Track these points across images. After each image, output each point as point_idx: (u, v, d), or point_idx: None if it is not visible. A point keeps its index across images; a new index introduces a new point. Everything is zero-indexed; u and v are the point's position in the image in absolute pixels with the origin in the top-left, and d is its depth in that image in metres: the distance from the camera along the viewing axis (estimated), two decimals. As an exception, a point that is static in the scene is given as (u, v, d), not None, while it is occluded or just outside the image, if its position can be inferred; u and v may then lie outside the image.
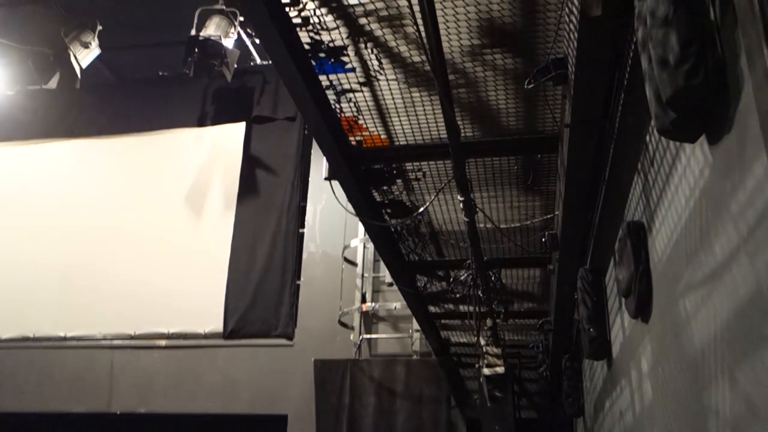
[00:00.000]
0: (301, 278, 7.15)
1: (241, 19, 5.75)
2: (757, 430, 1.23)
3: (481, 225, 3.09)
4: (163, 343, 7.50)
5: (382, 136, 2.82)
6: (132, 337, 7.43)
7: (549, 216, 3.29)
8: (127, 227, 7.57)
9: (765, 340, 1.15)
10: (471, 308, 4.90)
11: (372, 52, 2.36)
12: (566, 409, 5.15)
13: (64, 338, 7.58)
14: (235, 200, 7.30)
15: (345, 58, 2.39)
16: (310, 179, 7.41)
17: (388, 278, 6.60)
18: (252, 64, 7.34)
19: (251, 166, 7.37)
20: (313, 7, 2.16)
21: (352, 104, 2.63)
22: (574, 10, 1.77)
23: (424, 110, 2.66)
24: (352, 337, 7.14)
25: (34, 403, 7.61)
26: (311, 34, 2.27)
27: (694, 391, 1.63)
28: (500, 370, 5.63)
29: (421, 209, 3.24)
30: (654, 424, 2.16)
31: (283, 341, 6.59)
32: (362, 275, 7.13)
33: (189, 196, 7.51)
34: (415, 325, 6.55)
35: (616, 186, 2.60)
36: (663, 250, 1.98)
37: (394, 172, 3.10)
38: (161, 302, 7.36)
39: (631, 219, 2.41)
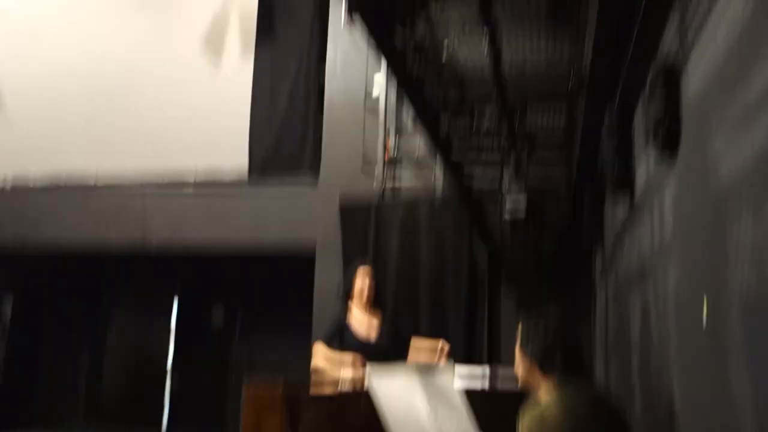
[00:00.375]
0: (324, 123, 7.14)
1: None
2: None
3: (506, 67, 3.00)
4: (191, 180, 7.67)
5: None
6: (160, 175, 7.60)
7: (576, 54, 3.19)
8: (149, 68, 7.55)
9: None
10: (494, 149, 4.91)
11: None
12: (585, 241, 5.29)
13: (96, 177, 7.78)
14: (253, 43, 7.19)
15: None
16: (329, 22, 7.19)
17: (411, 123, 6.56)
18: None
19: (268, 7, 7.19)
20: None
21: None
22: None
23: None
24: (374, 184, 7.23)
25: (75, 241, 7.97)
26: None
27: (717, 225, 1.67)
28: (522, 207, 5.74)
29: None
30: (672, 256, 2.24)
31: (308, 185, 6.72)
32: (385, 121, 7.07)
33: (208, 39, 7.40)
34: (438, 171, 6.60)
35: (651, 19, 2.50)
36: (696, 87, 1.94)
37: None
38: (187, 139, 7.48)
39: (665, 55, 2.34)
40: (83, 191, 7.89)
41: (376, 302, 4.32)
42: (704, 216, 1.80)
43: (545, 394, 2.34)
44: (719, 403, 1.65)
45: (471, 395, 3.26)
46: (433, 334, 6.67)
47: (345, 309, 4.32)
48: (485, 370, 3.69)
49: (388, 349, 4.09)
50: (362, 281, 4.27)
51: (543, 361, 2.38)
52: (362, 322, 4.24)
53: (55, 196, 7.99)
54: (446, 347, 4.08)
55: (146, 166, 7.62)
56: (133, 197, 7.79)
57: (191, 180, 7.61)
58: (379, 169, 7.14)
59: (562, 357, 2.36)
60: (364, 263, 4.43)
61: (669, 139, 2.22)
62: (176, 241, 7.68)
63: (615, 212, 3.93)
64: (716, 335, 1.68)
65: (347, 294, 4.31)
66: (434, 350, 4.07)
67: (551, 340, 2.38)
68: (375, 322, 4.26)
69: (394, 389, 2.94)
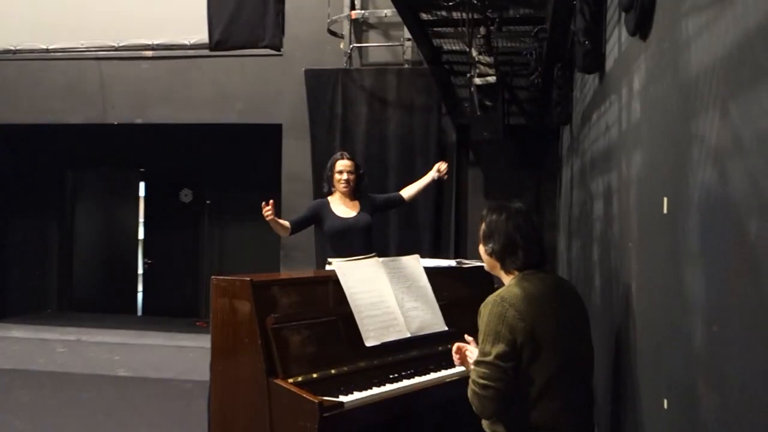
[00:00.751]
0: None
1: None
2: (739, 161, 1.23)
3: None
4: (149, 54, 7.35)
5: None
6: (117, 49, 7.25)
7: None
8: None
9: (765, 76, 1.10)
10: (464, 15, 4.72)
11: None
12: (554, 117, 5.24)
13: (47, 50, 7.40)
14: None
15: None
16: None
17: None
18: None
19: None
20: None
21: None
22: None
23: None
24: (342, 46, 6.99)
25: (31, 115, 7.70)
26: None
27: (683, 116, 1.61)
28: (491, 79, 5.61)
29: None
30: (639, 142, 2.20)
31: (272, 51, 6.45)
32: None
33: None
34: (407, 33, 6.37)
35: None
36: (673, -38, 1.81)
37: None
38: (144, 13, 7.09)
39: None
40: (37, 64, 7.54)
41: (357, 192, 4.43)
42: (671, 107, 1.74)
43: (508, 287, 2.38)
44: (674, 300, 1.67)
45: (436, 274, 3.32)
46: (400, 212, 6.75)
47: (326, 197, 4.44)
48: (451, 262, 3.74)
49: (370, 222, 4.35)
50: (340, 175, 4.34)
51: (504, 258, 2.41)
52: (343, 205, 4.38)
53: (6, 68, 7.63)
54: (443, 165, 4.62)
55: (102, 42, 7.25)
56: (90, 69, 7.46)
57: (149, 54, 7.28)
58: (345, 32, 6.88)
59: (524, 253, 2.38)
60: (343, 157, 4.43)
61: (641, 19, 2.11)
62: (138, 116, 7.45)
63: (584, 90, 3.85)
64: (674, 233, 1.67)
65: (329, 185, 4.41)
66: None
67: (514, 238, 2.39)
68: (356, 204, 4.41)
69: (360, 275, 2.97)
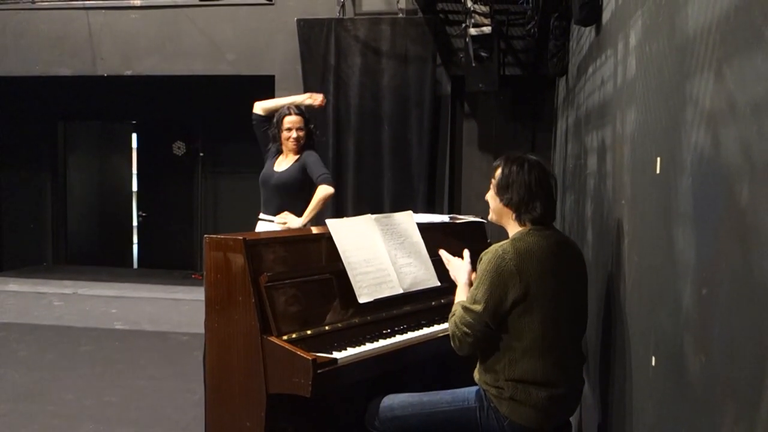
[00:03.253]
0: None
1: None
2: (732, 126, 1.22)
3: None
4: (138, 3, 7.20)
5: None
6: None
7: None
8: None
9: (760, 41, 1.07)
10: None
11: None
12: (550, 68, 5.18)
13: (33, 1, 7.23)
14: None
15: None
16: None
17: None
18: None
19: None
20: None
21: None
22: None
23: None
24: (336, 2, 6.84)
25: (19, 67, 7.57)
26: None
27: (678, 76, 1.59)
28: (487, 30, 5.53)
29: None
30: (633, 99, 2.17)
31: (263, 0, 6.32)
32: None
33: None
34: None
35: None
36: None
37: None
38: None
39: None
40: (23, 14, 7.37)
41: (308, 146, 4.13)
42: (666, 66, 1.71)
43: (512, 240, 2.39)
44: (665, 261, 1.68)
45: (429, 230, 3.33)
46: (394, 165, 6.71)
47: (276, 151, 4.21)
48: (444, 217, 3.74)
49: (288, 181, 4.03)
50: (288, 132, 4.07)
51: (520, 208, 2.41)
52: (284, 157, 4.16)
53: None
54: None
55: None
56: (77, 19, 7.31)
57: (138, 2, 7.13)
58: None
59: (542, 206, 2.40)
60: (290, 114, 4.08)
61: (639, -28, 2.06)
62: (128, 67, 7.33)
63: (581, 42, 3.79)
64: (666, 193, 1.66)
65: (276, 144, 4.16)
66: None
67: (534, 190, 2.40)
68: (296, 158, 4.12)
69: (353, 232, 2.97)
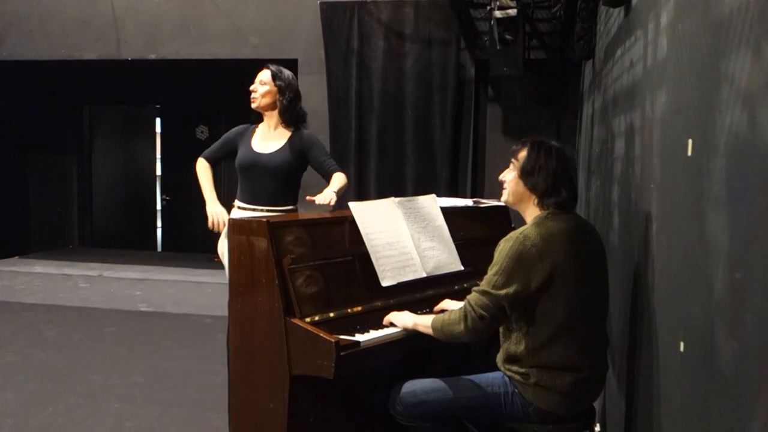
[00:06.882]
0: None
1: None
2: (771, 104, 1.18)
3: None
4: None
5: None
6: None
7: None
8: None
9: (804, 15, 1.04)
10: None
11: None
12: (576, 52, 5.10)
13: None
14: None
15: None
16: None
17: None
18: None
19: None
20: None
21: None
22: None
23: None
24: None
25: (45, 50, 7.63)
26: None
27: (713, 55, 1.55)
28: (512, 12, 5.46)
29: None
30: (665, 81, 2.12)
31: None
32: None
33: None
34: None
35: None
36: None
37: None
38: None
39: None
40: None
41: (298, 118, 3.60)
42: (700, 45, 1.66)
43: (533, 225, 2.37)
44: (696, 245, 1.64)
45: (453, 213, 3.30)
46: (417, 150, 6.67)
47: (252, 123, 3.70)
48: (468, 201, 3.70)
49: (282, 164, 3.51)
50: (252, 86, 3.57)
51: (545, 194, 2.39)
52: (266, 134, 3.60)
53: (19, 3, 7.53)
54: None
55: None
56: (101, 3, 7.35)
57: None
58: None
59: (567, 192, 2.37)
60: (266, 67, 3.60)
61: (671, -50, 2.01)
62: (151, 51, 7.36)
63: (608, 24, 3.72)
64: (698, 176, 1.63)
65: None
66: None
67: (560, 175, 2.38)
68: (285, 137, 3.58)
69: (376, 215, 2.96)
